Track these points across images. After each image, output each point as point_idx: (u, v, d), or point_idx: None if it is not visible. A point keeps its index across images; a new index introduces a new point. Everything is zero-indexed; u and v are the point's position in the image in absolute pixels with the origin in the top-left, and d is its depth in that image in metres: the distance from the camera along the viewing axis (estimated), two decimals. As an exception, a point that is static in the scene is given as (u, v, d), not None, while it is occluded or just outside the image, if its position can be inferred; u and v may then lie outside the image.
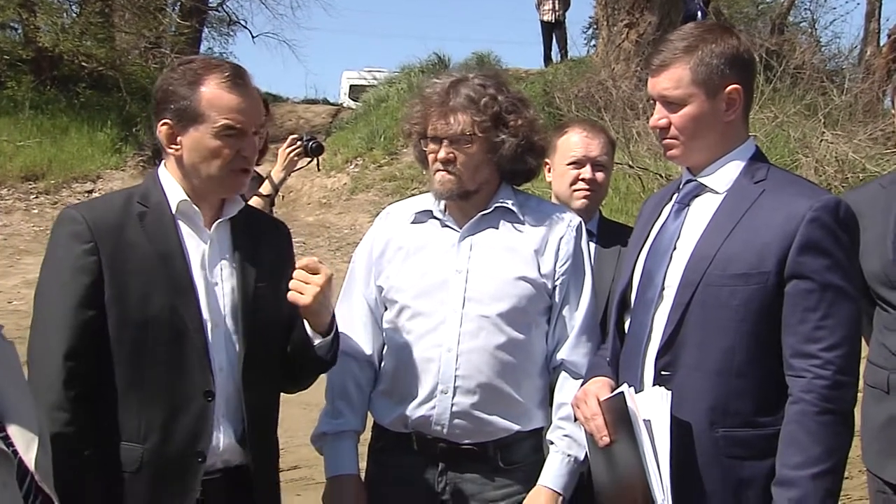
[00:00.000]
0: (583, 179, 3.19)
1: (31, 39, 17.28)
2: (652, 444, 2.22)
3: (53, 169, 14.65)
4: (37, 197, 14.09)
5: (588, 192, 3.20)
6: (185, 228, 2.40)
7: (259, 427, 2.43)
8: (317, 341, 2.45)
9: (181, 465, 2.32)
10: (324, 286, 2.36)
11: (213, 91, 2.33)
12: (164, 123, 2.37)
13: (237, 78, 2.36)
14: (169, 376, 2.31)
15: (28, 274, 10.07)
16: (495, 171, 2.67)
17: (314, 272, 2.37)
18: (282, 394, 2.59)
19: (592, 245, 3.17)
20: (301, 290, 2.37)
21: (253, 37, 23.87)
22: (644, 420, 2.23)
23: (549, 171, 3.28)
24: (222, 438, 2.37)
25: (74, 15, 18.95)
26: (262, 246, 2.49)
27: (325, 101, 23.43)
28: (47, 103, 16.63)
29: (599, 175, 3.22)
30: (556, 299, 2.65)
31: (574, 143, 3.23)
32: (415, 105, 2.71)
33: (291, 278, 2.39)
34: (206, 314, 2.35)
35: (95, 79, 17.74)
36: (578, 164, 3.20)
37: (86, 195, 13.72)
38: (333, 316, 2.48)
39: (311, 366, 2.54)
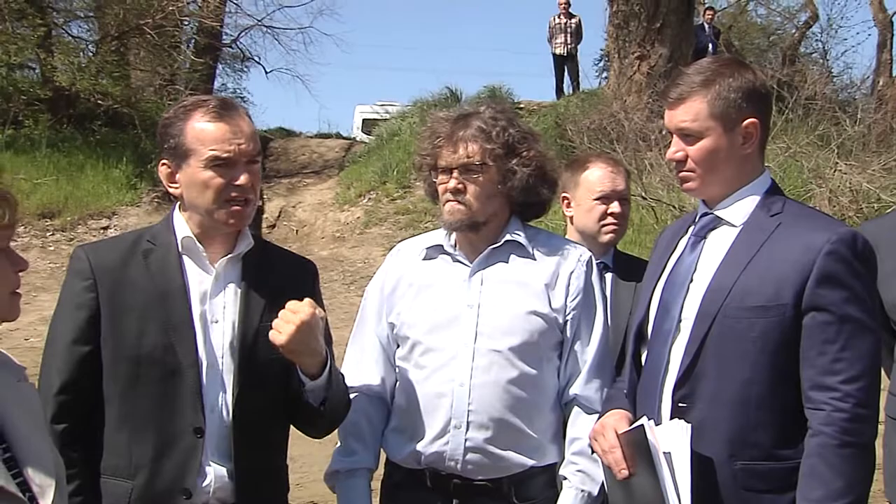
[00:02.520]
0: (611, 214, 3.23)
1: (49, 79, 17.48)
2: (672, 477, 2.20)
3: (69, 206, 14.76)
4: (53, 234, 14.18)
5: (616, 227, 3.25)
6: (190, 265, 2.40)
7: (254, 466, 2.38)
8: (308, 384, 2.35)
9: (167, 502, 2.30)
10: (301, 325, 2.23)
11: (197, 125, 2.33)
12: (163, 163, 2.40)
13: (221, 109, 2.35)
14: (160, 413, 2.31)
15: (44, 311, 10.09)
16: (505, 203, 2.66)
17: (297, 312, 2.26)
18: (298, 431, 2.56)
19: (609, 277, 3.19)
20: (279, 328, 2.26)
21: (266, 72, 23.93)
22: (664, 453, 2.22)
23: (568, 206, 3.31)
24: (213, 476, 2.34)
25: (91, 54, 19.18)
26: (279, 283, 2.43)
27: (338, 136, 23.53)
28: (63, 141, 16.79)
29: (626, 209, 3.29)
30: (568, 334, 2.63)
31: (600, 177, 3.26)
32: (425, 138, 2.71)
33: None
34: (202, 351, 2.33)
35: (111, 116, 17.93)
36: (606, 198, 3.24)
37: (101, 232, 13.82)
38: (328, 359, 2.36)
39: (305, 412, 2.40)
